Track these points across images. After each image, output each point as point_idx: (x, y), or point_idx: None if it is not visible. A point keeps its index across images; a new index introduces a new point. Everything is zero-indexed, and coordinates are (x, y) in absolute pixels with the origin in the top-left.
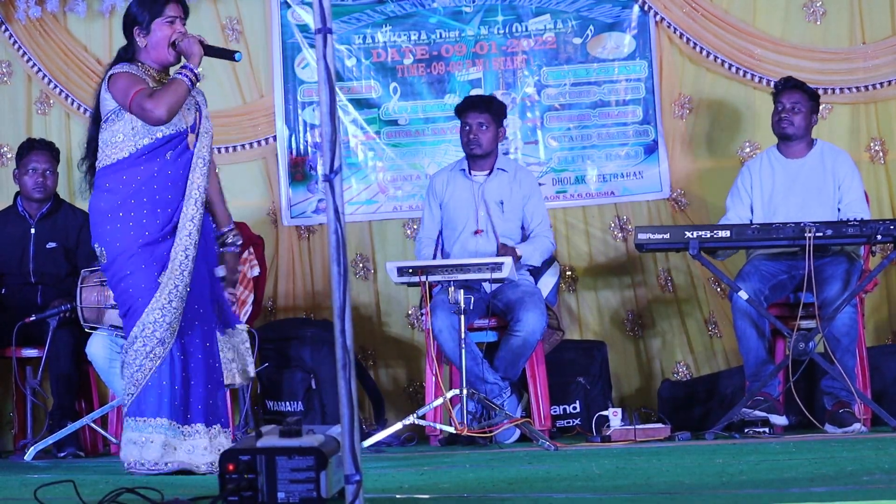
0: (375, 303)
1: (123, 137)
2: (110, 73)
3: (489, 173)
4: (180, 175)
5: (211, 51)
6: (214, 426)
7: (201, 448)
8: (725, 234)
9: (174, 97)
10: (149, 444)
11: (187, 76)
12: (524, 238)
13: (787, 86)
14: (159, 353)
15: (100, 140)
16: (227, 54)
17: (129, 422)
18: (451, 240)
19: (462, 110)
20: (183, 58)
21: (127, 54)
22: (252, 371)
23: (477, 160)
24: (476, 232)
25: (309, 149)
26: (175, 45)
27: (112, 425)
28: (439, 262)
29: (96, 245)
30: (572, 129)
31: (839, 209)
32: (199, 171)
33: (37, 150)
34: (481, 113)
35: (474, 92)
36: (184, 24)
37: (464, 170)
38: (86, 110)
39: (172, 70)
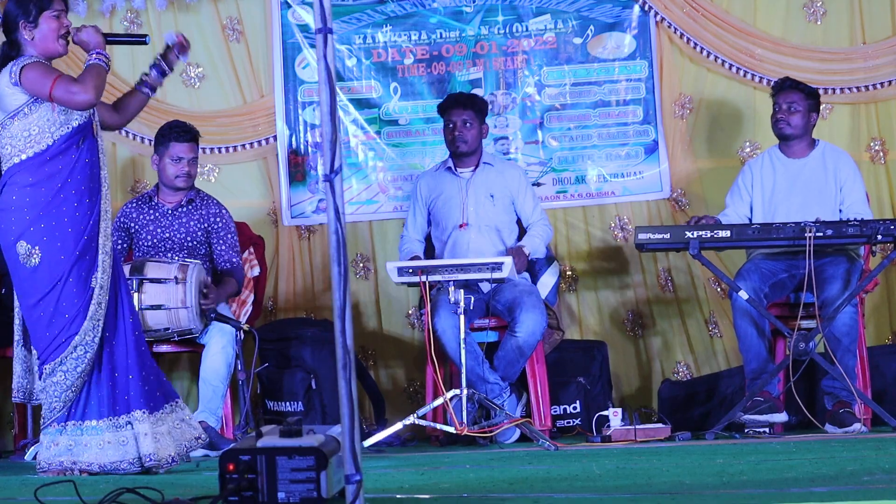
0: (375, 303)
1: (38, 130)
2: (21, 64)
3: (475, 168)
4: (94, 163)
5: (116, 38)
6: (164, 406)
7: (141, 434)
8: (726, 233)
9: (99, 79)
10: (112, 445)
11: (102, 60)
12: (521, 230)
13: (784, 86)
14: (93, 355)
15: (5, 135)
16: (136, 40)
17: (70, 426)
18: (441, 238)
19: (445, 108)
20: (84, 49)
21: (13, 50)
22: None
23: (462, 157)
24: (461, 225)
25: (309, 149)
26: (68, 38)
27: None
28: (439, 262)
29: (22, 244)
30: (573, 129)
31: (840, 210)
32: (104, 158)
33: None
34: (465, 110)
35: (475, 92)
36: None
37: (450, 168)
38: None
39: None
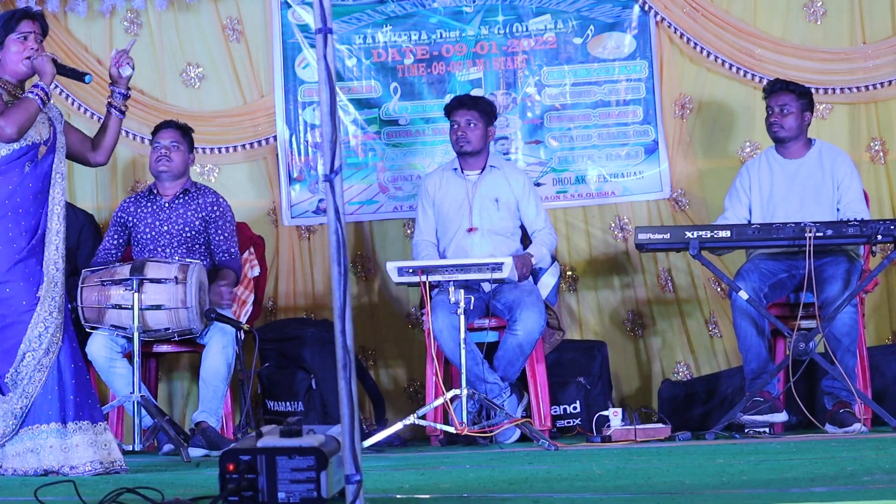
0: (375, 303)
1: None
2: None
3: (482, 171)
4: (40, 187)
5: (63, 70)
6: (99, 423)
7: (84, 444)
8: (725, 234)
9: (24, 115)
10: (47, 449)
11: (38, 95)
12: (525, 235)
13: (775, 88)
14: (46, 363)
15: None
16: (78, 75)
17: (22, 432)
18: (445, 240)
19: (450, 109)
20: (38, 75)
21: None
22: None
23: (468, 159)
24: (470, 230)
25: (309, 149)
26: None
27: (112, 425)
28: (439, 262)
29: None
30: (573, 129)
31: (838, 209)
32: (58, 185)
33: None
34: (469, 110)
35: (475, 92)
36: (39, 41)
37: (456, 169)
38: (86, 110)
39: (28, 83)
